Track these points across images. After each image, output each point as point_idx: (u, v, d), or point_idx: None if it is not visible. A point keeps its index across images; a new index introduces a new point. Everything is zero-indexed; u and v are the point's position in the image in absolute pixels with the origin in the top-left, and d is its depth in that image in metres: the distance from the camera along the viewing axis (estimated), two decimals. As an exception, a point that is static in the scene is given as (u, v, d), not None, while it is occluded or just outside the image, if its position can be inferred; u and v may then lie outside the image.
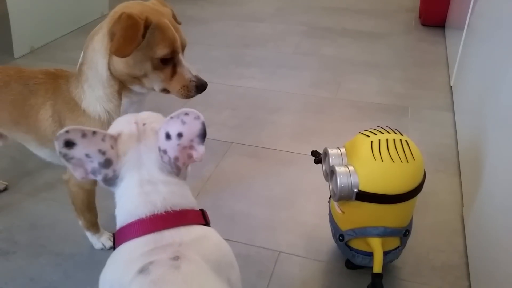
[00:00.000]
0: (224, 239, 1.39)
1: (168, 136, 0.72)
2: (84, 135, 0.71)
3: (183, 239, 0.70)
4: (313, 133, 1.92)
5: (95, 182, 1.20)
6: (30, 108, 1.15)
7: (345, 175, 1.08)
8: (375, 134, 1.11)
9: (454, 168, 1.69)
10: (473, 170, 1.42)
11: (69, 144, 0.70)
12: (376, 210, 1.10)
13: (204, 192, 1.58)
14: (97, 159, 0.73)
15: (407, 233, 1.17)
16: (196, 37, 2.97)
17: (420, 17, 3.22)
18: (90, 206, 1.28)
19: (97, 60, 1.07)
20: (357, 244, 1.18)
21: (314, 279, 1.25)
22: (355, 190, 1.07)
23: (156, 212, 0.72)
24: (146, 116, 0.81)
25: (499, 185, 1.11)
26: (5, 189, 1.62)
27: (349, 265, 1.27)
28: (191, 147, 0.75)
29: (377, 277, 1.10)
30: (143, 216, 0.71)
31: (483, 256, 1.16)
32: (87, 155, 0.72)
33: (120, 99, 1.11)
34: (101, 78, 1.08)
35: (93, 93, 1.10)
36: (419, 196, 1.13)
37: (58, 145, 0.71)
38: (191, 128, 0.73)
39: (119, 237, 0.72)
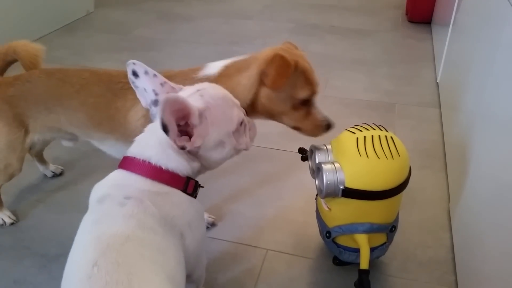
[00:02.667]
0: (211, 237, 1.39)
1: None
2: (146, 72, 0.92)
3: (145, 187, 0.81)
4: (300, 131, 1.92)
5: None
6: (117, 111, 1.19)
7: (331, 172, 1.08)
8: (361, 131, 1.11)
9: (441, 164, 1.70)
10: (459, 165, 1.43)
11: (135, 74, 0.92)
12: (362, 207, 1.10)
13: (192, 191, 1.57)
14: (150, 96, 0.94)
15: (393, 229, 1.17)
16: (183, 35, 2.95)
17: (407, 14, 3.23)
18: None
19: (239, 92, 1.11)
20: (344, 240, 1.18)
21: (302, 276, 1.25)
22: (341, 187, 1.07)
23: (136, 157, 0.84)
24: (211, 89, 0.93)
25: (485, 180, 1.12)
26: (61, 173, 1.67)
27: (337, 261, 1.27)
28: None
29: (364, 274, 1.10)
30: (130, 154, 0.86)
31: (470, 251, 1.17)
32: (145, 89, 0.93)
33: None
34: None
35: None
36: (406, 192, 1.14)
37: (128, 72, 0.93)
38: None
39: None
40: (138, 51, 2.69)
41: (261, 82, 1.10)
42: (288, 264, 1.29)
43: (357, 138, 1.09)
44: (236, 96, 1.09)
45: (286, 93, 1.11)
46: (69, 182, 1.61)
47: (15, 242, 1.36)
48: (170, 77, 1.17)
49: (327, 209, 1.16)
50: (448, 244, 1.35)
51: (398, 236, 1.28)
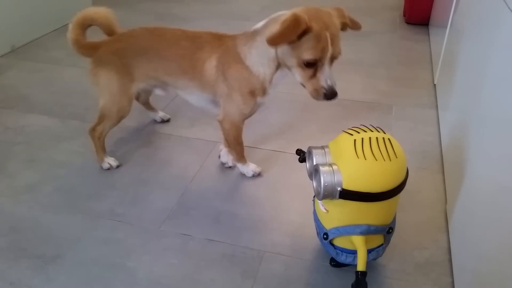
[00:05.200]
0: (209, 239, 1.39)
1: None
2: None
3: None
4: (298, 132, 1.92)
5: (243, 121, 1.52)
6: (197, 60, 1.45)
7: (328, 174, 1.08)
8: (358, 133, 1.11)
9: (438, 166, 1.70)
10: (456, 167, 1.43)
11: None
12: (359, 208, 1.10)
13: (189, 192, 1.57)
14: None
15: (390, 230, 1.17)
16: (181, 36, 2.94)
17: (404, 15, 3.24)
18: (239, 139, 1.56)
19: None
20: (341, 242, 1.18)
21: (299, 277, 1.25)
22: (339, 189, 1.07)
23: None
24: None
25: (482, 182, 1.12)
26: (168, 120, 1.98)
27: (334, 263, 1.27)
28: None
29: (361, 275, 1.10)
30: None
31: (466, 252, 1.17)
32: None
33: (276, 70, 1.38)
34: (269, 53, 1.34)
35: (259, 58, 1.37)
36: (403, 193, 1.14)
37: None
38: None
39: None
40: (136, 52, 2.68)
41: None
42: (285, 265, 1.29)
43: (355, 140, 1.09)
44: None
45: (293, 49, 1.24)
46: (65, 183, 1.61)
47: (11, 244, 1.35)
48: (234, 37, 1.43)
49: (324, 210, 1.16)
50: (445, 246, 1.35)
51: (395, 237, 1.28)
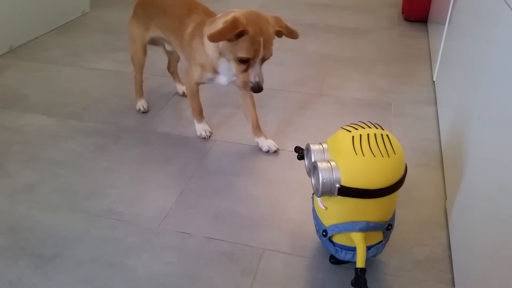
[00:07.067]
0: (208, 237, 1.38)
1: None
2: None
3: None
4: (297, 129, 1.92)
5: (196, 84, 1.74)
6: (183, 24, 1.68)
7: (327, 171, 1.08)
8: (357, 129, 1.11)
9: (437, 162, 1.70)
10: (456, 163, 1.43)
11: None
12: (358, 205, 1.10)
13: (187, 191, 1.56)
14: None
15: (389, 227, 1.17)
16: (179, 35, 2.94)
17: (403, 12, 3.24)
18: (194, 95, 1.78)
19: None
20: (340, 239, 1.18)
21: (298, 275, 1.25)
22: (337, 185, 1.07)
23: None
24: None
25: (481, 178, 1.12)
26: (183, 94, 2.18)
27: (333, 260, 1.26)
28: None
29: (361, 272, 1.10)
30: None
31: (466, 249, 1.17)
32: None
33: (219, 56, 1.55)
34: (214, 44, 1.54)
35: (210, 44, 1.55)
36: (402, 190, 1.13)
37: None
38: None
39: None
40: (134, 51, 2.68)
41: None
42: (284, 263, 1.29)
43: (353, 136, 1.09)
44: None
45: (231, 46, 1.43)
46: (64, 183, 1.60)
47: (10, 243, 1.35)
48: (211, 16, 1.62)
49: (323, 207, 1.16)
50: (445, 242, 1.35)
51: (394, 234, 1.28)
